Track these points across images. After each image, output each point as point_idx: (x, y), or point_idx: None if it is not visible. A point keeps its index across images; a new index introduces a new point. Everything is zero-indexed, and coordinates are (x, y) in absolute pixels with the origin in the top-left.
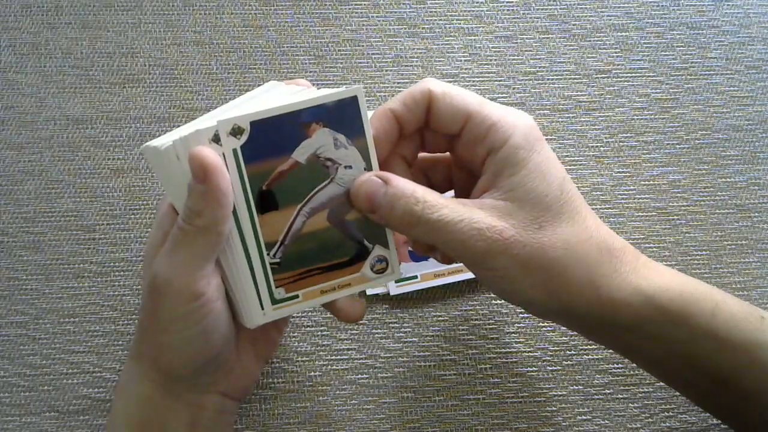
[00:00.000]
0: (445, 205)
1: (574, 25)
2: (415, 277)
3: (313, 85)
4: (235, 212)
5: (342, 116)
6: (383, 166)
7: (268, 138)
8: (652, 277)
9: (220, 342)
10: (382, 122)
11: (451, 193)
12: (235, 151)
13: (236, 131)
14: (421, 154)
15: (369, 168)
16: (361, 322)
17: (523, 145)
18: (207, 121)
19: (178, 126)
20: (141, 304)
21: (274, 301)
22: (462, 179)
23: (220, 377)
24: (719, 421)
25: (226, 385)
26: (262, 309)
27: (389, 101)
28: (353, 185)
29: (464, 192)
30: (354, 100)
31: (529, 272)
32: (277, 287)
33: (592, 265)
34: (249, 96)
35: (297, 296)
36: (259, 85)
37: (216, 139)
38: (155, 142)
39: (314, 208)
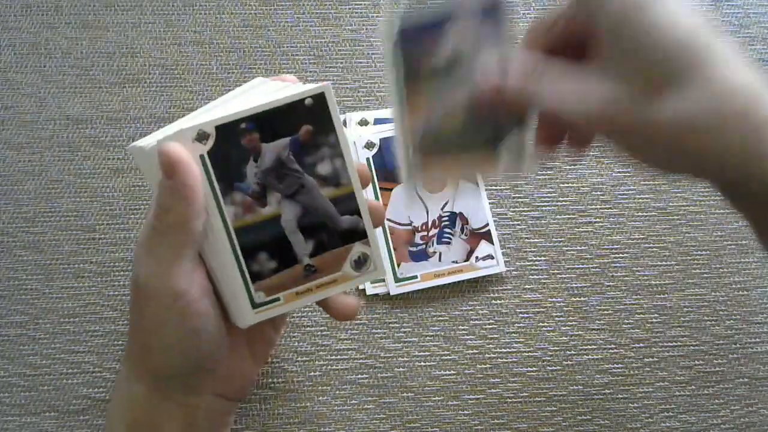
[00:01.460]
0: (559, 77)
1: None
2: (415, 277)
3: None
4: (221, 211)
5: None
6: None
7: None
8: None
9: (208, 343)
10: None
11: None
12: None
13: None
14: None
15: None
16: (361, 322)
17: (635, 4)
18: (191, 120)
19: None
20: (129, 305)
21: (255, 305)
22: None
23: (212, 379)
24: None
25: (221, 387)
26: (254, 308)
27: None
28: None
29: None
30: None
31: (648, 146)
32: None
33: (725, 139)
34: (232, 95)
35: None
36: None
37: (199, 138)
38: (141, 142)
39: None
